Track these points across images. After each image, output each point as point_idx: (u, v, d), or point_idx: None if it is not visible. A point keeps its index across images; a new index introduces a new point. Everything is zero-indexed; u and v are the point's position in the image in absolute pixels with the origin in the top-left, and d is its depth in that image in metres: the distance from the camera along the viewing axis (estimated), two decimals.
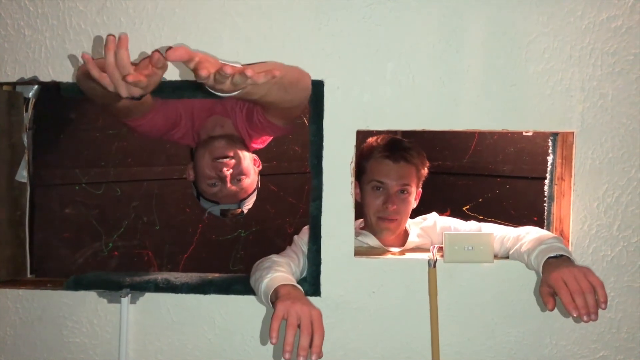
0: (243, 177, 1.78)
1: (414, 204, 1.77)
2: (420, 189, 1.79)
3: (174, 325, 1.59)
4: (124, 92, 1.02)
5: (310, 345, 1.17)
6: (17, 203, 1.71)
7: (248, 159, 1.81)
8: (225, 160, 1.73)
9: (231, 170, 1.74)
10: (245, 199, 1.83)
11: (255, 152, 1.99)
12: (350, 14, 1.50)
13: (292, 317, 1.18)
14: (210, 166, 1.74)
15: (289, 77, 1.30)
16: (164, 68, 1.01)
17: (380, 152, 1.73)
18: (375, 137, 1.80)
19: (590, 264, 1.52)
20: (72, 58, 1.54)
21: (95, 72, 1.03)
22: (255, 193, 1.88)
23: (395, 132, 1.82)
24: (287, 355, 1.14)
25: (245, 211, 1.88)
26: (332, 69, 1.51)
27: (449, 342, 1.54)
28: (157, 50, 1.00)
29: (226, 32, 1.52)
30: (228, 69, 0.95)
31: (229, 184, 1.75)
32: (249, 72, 0.96)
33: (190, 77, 1.53)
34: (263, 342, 1.57)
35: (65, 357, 1.62)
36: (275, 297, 1.28)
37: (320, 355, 1.16)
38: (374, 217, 1.72)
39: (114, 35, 1.01)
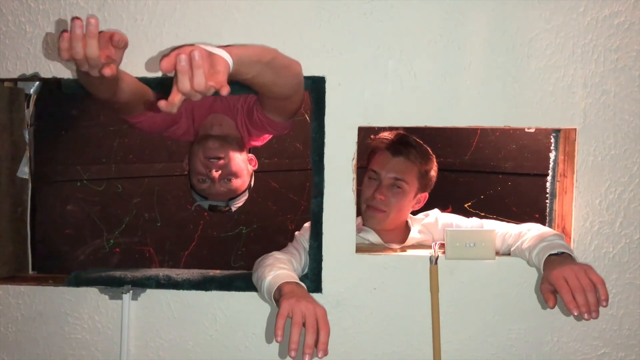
0: (233, 178, 1.79)
1: (414, 205, 1.77)
2: (426, 193, 1.78)
3: (175, 321, 1.60)
4: (93, 73, 1.06)
5: (317, 343, 1.17)
6: (18, 199, 1.72)
7: (240, 160, 1.81)
8: (216, 161, 1.74)
9: (220, 171, 1.76)
10: (234, 198, 1.84)
11: (255, 149, 1.99)
12: (351, 10, 1.50)
13: (297, 315, 1.18)
14: (201, 164, 1.76)
15: (280, 61, 1.31)
16: (125, 48, 1.06)
17: (384, 144, 1.74)
18: (388, 132, 1.80)
19: (592, 261, 1.52)
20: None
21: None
22: (246, 192, 1.89)
23: (397, 129, 1.82)
24: (292, 354, 1.13)
25: (234, 209, 1.90)
26: (333, 65, 1.51)
27: (450, 339, 1.54)
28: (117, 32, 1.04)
29: (227, 28, 1.52)
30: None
31: (217, 184, 1.77)
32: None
33: None
34: (268, 341, 1.57)
35: (67, 353, 1.62)
36: (278, 295, 1.28)
37: (326, 352, 1.16)
38: (364, 205, 1.72)
39: (80, 20, 1.01)
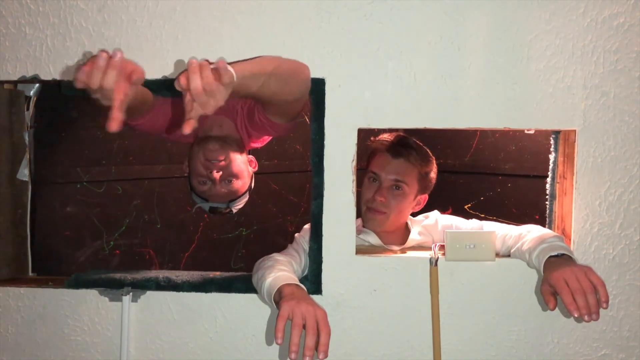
0: (234, 179, 1.79)
1: (414, 206, 1.77)
2: (425, 195, 1.79)
3: (175, 323, 1.59)
4: (104, 102, 1.06)
5: (317, 345, 1.17)
6: (18, 201, 1.71)
7: (241, 161, 1.81)
8: (217, 162, 1.74)
9: (221, 173, 1.75)
10: (234, 200, 1.84)
11: (255, 151, 1.99)
12: (352, 11, 1.50)
13: (298, 317, 1.18)
14: (202, 165, 1.76)
15: (285, 68, 1.32)
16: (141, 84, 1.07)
17: (384, 146, 1.74)
18: (388, 134, 1.80)
19: (592, 263, 1.52)
20: (73, 56, 1.54)
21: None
22: (247, 194, 1.89)
23: (397, 131, 1.82)
24: (293, 356, 1.13)
25: (235, 211, 1.89)
26: (333, 67, 1.51)
27: (450, 340, 1.54)
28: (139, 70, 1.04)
29: (227, 30, 1.52)
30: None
31: (218, 186, 1.77)
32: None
33: None
34: (269, 343, 1.57)
35: (67, 355, 1.62)
36: (278, 297, 1.28)
37: (327, 354, 1.16)
38: (364, 207, 1.73)
39: (107, 52, 1.02)
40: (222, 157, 1.75)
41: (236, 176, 1.79)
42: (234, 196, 1.83)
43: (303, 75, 1.40)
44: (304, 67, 1.41)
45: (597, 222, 1.53)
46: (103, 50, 1.03)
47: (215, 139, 1.76)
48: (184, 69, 1.52)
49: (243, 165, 1.82)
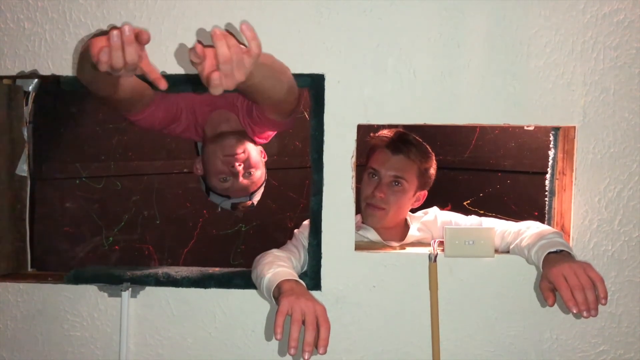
0: (253, 170, 1.80)
1: (414, 202, 1.77)
2: (425, 191, 1.79)
3: (175, 319, 1.59)
4: (127, 75, 1.04)
5: (317, 340, 1.17)
6: (17, 197, 1.71)
7: (257, 152, 1.84)
8: (236, 156, 1.74)
9: (242, 165, 1.76)
10: (255, 191, 1.85)
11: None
12: (351, 7, 1.50)
13: (297, 313, 1.18)
14: (222, 162, 1.76)
15: (277, 65, 1.31)
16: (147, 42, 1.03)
17: (383, 142, 1.74)
18: (387, 130, 1.80)
19: (591, 259, 1.52)
20: (72, 51, 1.54)
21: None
22: (263, 185, 1.90)
23: (396, 127, 1.82)
24: (292, 351, 1.14)
25: (255, 203, 1.89)
26: (332, 63, 1.51)
27: (449, 336, 1.54)
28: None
29: (226, 26, 1.51)
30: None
31: (241, 179, 1.78)
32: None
33: (191, 70, 1.53)
34: (268, 338, 1.57)
35: (66, 350, 1.62)
36: (278, 293, 1.28)
37: (326, 349, 1.16)
38: (364, 203, 1.73)
39: (118, 29, 0.98)
40: (240, 150, 1.75)
41: (255, 167, 1.81)
42: (255, 187, 1.85)
43: (289, 75, 1.40)
44: (286, 67, 1.40)
45: (596, 218, 1.53)
46: (114, 27, 0.98)
47: (229, 134, 1.77)
48: (184, 57, 1.52)
49: (258, 155, 1.84)
